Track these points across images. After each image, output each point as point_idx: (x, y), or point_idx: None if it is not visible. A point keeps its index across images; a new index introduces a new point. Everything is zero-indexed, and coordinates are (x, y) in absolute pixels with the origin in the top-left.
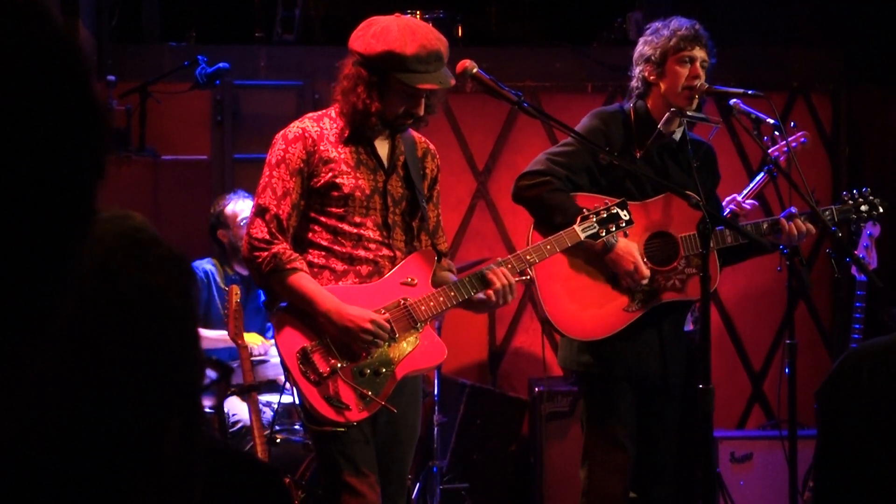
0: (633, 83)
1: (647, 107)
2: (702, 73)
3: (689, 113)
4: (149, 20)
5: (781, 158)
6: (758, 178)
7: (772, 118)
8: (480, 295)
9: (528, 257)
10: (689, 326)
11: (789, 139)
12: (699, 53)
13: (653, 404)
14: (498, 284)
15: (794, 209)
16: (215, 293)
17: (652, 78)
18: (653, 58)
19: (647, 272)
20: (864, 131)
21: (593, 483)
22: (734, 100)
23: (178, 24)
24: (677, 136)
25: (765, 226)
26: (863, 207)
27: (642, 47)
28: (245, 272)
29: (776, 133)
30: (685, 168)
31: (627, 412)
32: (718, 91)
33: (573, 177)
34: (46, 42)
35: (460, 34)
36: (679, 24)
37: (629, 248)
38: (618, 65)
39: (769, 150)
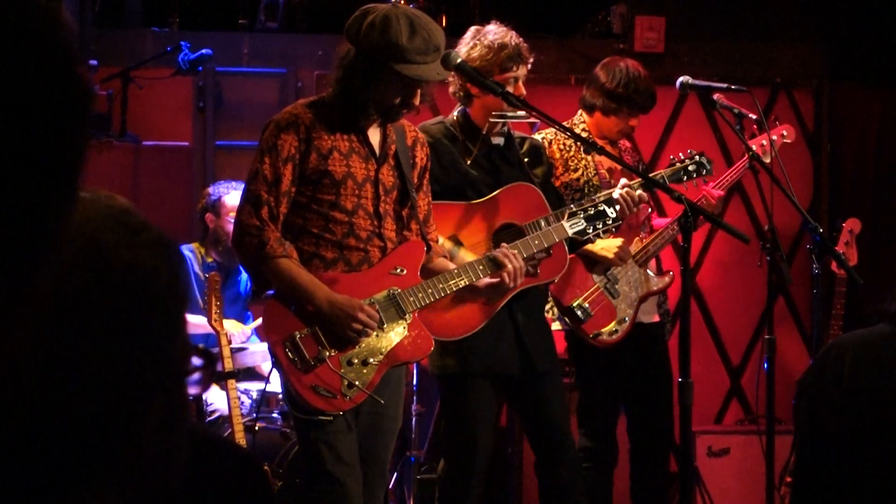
0: (452, 90)
1: (469, 114)
2: (523, 88)
3: (508, 114)
4: (131, 5)
5: (757, 149)
6: (736, 167)
7: (753, 113)
8: (485, 280)
9: (513, 252)
10: (654, 318)
11: (771, 133)
12: (522, 71)
13: (530, 392)
14: (510, 266)
15: (624, 180)
16: (192, 279)
17: (475, 91)
18: None
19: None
20: (846, 127)
21: (449, 478)
22: (717, 94)
23: (161, 9)
24: (501, 139)
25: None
26: (690, 167)
27: (468, 53)
28: (222, 259)
29: (755, 126)
30: (516, 165)
31: (484, 408)
32: (701, 86)
33: None
34: (30, 18)
35: (444, 24)
36: (504, 42)
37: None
38: (601, 57)
39: (749, 142)
